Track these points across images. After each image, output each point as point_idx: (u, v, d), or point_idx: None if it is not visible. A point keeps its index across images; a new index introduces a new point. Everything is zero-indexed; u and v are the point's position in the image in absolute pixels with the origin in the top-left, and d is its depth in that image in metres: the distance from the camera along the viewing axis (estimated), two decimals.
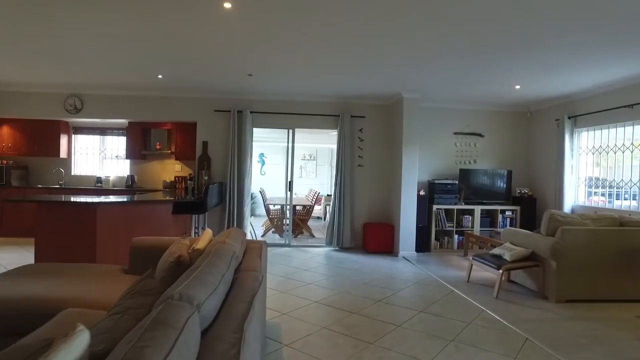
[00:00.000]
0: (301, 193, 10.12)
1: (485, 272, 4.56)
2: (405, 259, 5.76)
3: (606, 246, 3.81)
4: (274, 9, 3.07)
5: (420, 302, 3.80)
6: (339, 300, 3.78)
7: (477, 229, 6.33)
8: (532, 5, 2.86)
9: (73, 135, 7.03)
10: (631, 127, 4.97)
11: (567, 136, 5.77)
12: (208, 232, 2.71)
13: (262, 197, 8.03)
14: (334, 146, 6.71)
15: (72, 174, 6.99)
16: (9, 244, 5.73)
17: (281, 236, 7.12)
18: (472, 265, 4.51)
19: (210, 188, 5.26)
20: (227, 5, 3.00)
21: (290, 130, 6.46)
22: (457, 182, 6.35)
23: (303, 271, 4.88)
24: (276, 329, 3.07)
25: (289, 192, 6.56)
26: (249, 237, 6.43)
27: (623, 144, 5.10)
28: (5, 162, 6.48)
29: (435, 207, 6.22)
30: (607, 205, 5.31)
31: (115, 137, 7.15)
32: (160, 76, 5.22)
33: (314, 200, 8.13)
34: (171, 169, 6.95)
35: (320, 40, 3.74)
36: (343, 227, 6.30)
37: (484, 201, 6.44)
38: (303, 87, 5.73)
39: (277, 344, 2.77)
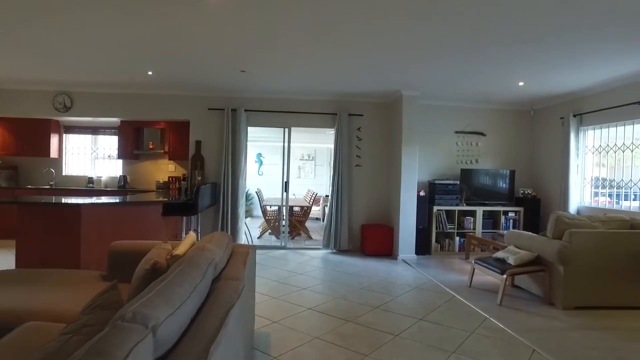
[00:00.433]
0: (300, 194, 9.93)
1: (488, 277, 4.36)
2: (405, 262, 5.57)
3: (617, 250, 3.60)
4: (264, 2, 2.88)
5: (419, 308, 3.60)
6: (334, 307, 3.58)
7: (479, 230, 6.12)
8: None
9: (64, 135, 6.86)
10: None
11: (573, 135, 5.56)
12: (191, 236, 2.52)
13: (259, 198, 7.84)
14: (333, 146, 6.51)
15: (64, 174, 6.81)
16: None
17: (278, 238, 6.93)
18: (474, 269, 4.31)
19: (202, 189, 5.07)
20: None
21: (286, 129, 6.27)
22: (458, 182, 6.14)
23: (298, 275, 4.69)
24: (265, 338, 2.88)
25: (285, 193, 6.37)
26: (244, 239, 6.24)
27: (632, 143, 4.89)
28: None
29: (435, 208, 6.01)
30: (615, 207, 5.10)
31: (107, 137, 6.97)
32: (150, 73, 5.03)
33: (312, 201, 7.94)
34: (165, 169, 6.76)
35: (314, 35, 3.55)
36: (341, 229, 6.10)
37: (486, 202, 6.24)
38: (299, 84, 5.53)
39: (265, 356, 2.58)
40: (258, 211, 9.30)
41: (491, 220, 6.26)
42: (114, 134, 6.80)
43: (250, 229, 6.69)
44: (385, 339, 2.90)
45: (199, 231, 5.71)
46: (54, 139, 6.57)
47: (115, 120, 6.50)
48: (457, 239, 6.13)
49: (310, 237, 7.31)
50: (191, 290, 1.44)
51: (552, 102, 6.12)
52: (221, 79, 5.33)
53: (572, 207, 5.52)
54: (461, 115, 6.54)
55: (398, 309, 3.57)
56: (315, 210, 9.42)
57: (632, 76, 4.56)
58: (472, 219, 6.16)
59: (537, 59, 4.06)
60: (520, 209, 6.23)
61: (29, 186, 6.33)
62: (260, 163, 10.65)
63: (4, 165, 6.40)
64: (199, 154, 6.19)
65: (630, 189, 4.91)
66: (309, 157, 10.87)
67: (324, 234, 6.27)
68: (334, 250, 6.14)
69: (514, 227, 6.17)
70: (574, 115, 5.57)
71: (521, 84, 5.13)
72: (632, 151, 4.91)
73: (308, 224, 7.66)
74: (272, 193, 9.18)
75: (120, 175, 6.64)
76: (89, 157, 7.02)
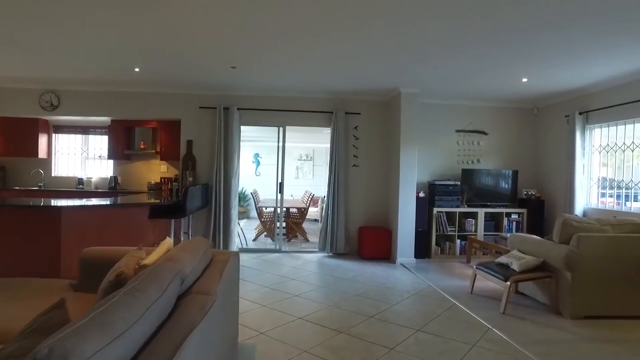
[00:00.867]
0: (298, 195, 9.71)
1: (490, 282, 4.14)
2: (403, 266, 5.34)
3: (629, 255, 3.37)
4: None
5: (417, 318, 3.38)
6: (326, 316, 3.37)
7: (480, 233, 5.89)
8: None
9: (54, 135, 6.66)
10: None
11: (578, 133, 5.33)
12: (166, 243, 2.32)
13: (254, 199, 7.64)
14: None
15: (53, 175, 6.61)
16: None
17: (273, 240, 6.72)
18: (475, 275, 4.09)
19: (191, 190, 4.86)
20: None
21: (281, 128, 6.05)
22: (459, 183, 5.91)
23: (291, 280, 4.48)
24: (250, 352, 2.67)
25: (279, 194, 6.15)
26: (237, 242, 6.03)
27: None
28: None
29: (435, 209, 5.79)
30: (624, 209, 4.87)
31: (98, 137, 6.77)
32: (137, 69, 4.83)
33: (309, 202, 7.73)
34: (157, 170, 6.56)
35: (308, 30, 3.33)
36: (337, 232, 5.88)
37: (488, 203, 6.00)
38: (293, 81, 5.32)
39: None
40: (255, 212, 9.11)
41: (493, 222, 6.03)
42: (105, 133, 6.60)
43: (248, 231, 6.48)
44: (379, 353, 2.68)
45: (190, 234, 5.51)
46: (42, 139, 6.37)
47: (105, 119, 6.30)
48: (458, 241, 5.91)
49: (307, 240, 7.11)
50: (142, 311, 1.24)
51: (557, 99, 5.89)
52: (212, 76, 5.12)
53: (578, 208, 5.29)
54: (462, 114, 6.31)
55: (394, 319, 3.35)
56: (314, 212, 9.21)
57: None
58: (473, 221, 5.94)
59: (541, 53, 3.84)
60: (524, 210, 6.00)
61: (17, 187, 6.14)
62: (258, 164, 10.45)
63: None
64: (190, 154, 5.98)
65: None
66: (307, 157, 10.65)
67: (320, 237, 6.04)
68: (330, 254, 5.92)
69: (517, 230, 5.94)
70: (580, 113, 5.34)
71: (525, 80, 4.90)
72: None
73: (306, 225, 7.45)
74: (269, 194, 8.95)
75: (110, 176, 6.44)
76: (79, 157, 6.82)
